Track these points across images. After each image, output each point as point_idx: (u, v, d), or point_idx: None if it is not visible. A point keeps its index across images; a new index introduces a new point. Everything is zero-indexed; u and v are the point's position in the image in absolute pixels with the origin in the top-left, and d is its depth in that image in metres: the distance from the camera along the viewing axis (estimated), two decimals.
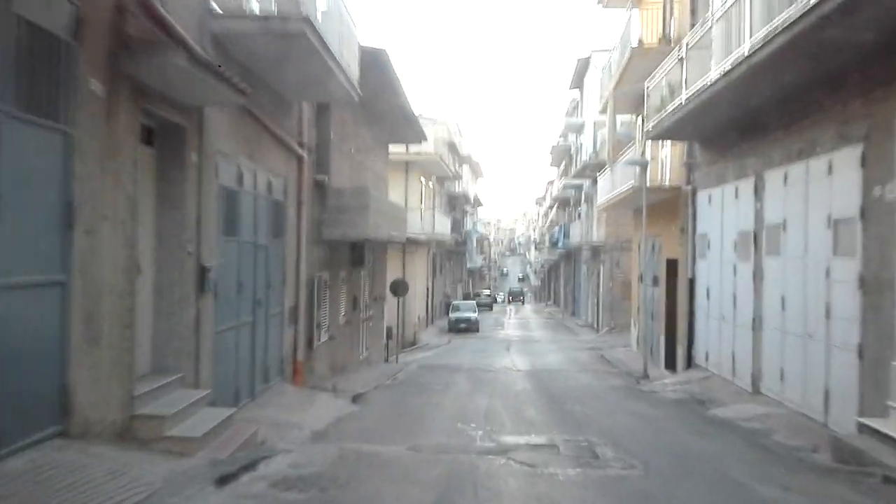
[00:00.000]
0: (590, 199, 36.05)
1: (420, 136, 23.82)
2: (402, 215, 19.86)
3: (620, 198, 19.62)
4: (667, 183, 18.21)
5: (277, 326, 11.58)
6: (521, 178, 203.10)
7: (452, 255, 51.72)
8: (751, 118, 12.16)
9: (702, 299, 15.47)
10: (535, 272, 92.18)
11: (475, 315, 39.14)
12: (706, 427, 10.03)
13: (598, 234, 32.84)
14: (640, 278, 23.10)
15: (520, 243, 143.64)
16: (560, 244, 44.27)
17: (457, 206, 49.90)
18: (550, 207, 66.64)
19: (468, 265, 63.77)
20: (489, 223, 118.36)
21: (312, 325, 13.56)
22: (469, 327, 37.63)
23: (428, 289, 39.05)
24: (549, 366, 21.39)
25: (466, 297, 54.20)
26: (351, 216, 13.84)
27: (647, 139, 16.19)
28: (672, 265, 18.51)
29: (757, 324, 12.21)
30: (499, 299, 74.79)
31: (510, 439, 8.92)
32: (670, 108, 13.80)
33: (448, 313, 40.78)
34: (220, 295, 8.74)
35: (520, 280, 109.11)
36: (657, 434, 9.60)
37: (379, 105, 18.10)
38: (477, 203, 71.49)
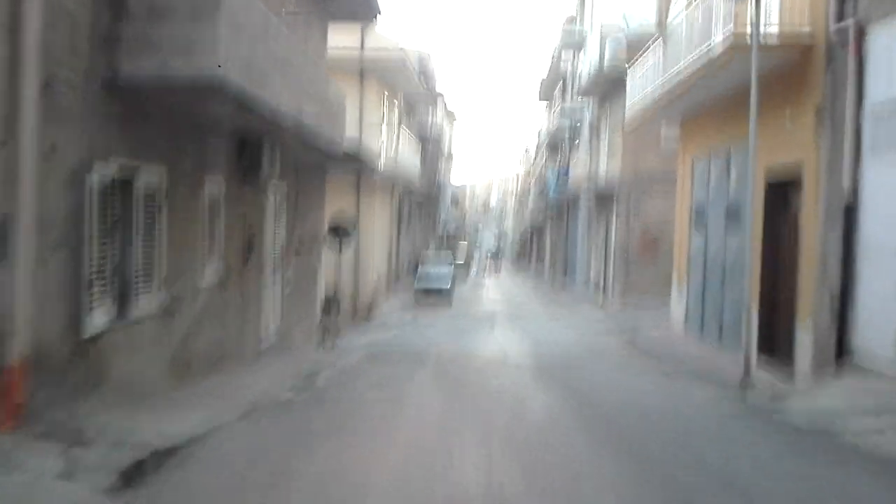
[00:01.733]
0: (596, 128, 28.28)
1: (373, 9, 16.04)
2: (335, 100, 12.06)
3: (695, 75, 11.91)
4: (775, 29, 10.43)
5: None
6: (498, 136, 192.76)
7: (423, 207, 43.80)
8: None
9: (881, 239, 8.13)
10: (513, 241, 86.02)
11: (450, 271, 30.10)
12: None
13: (610, 168, 25.08)
14: (694, 218, 15.66)
15: (494, 214, 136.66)
16: (553, 191, 36.30)
17: (428, 148, 41.84)
18: (535, 157, 58.95)
19: (441, 220, 55.79)
20: (464, 186, 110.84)
21: (83, 279, 5.91)
22: (439, 301, 27.85)
23: (391, 243, 31.12)
24: (564, 357, 13.84)
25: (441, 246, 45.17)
26: (181, 30, 6.08)
27: None
28: (779, 188, 11.08)
29: None
30: (474, 267, 67.04)
31: None
32: None
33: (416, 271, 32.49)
34: None
35: (494, 254, 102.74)
36: None
37: None
38: (450, 157, 63.50)
